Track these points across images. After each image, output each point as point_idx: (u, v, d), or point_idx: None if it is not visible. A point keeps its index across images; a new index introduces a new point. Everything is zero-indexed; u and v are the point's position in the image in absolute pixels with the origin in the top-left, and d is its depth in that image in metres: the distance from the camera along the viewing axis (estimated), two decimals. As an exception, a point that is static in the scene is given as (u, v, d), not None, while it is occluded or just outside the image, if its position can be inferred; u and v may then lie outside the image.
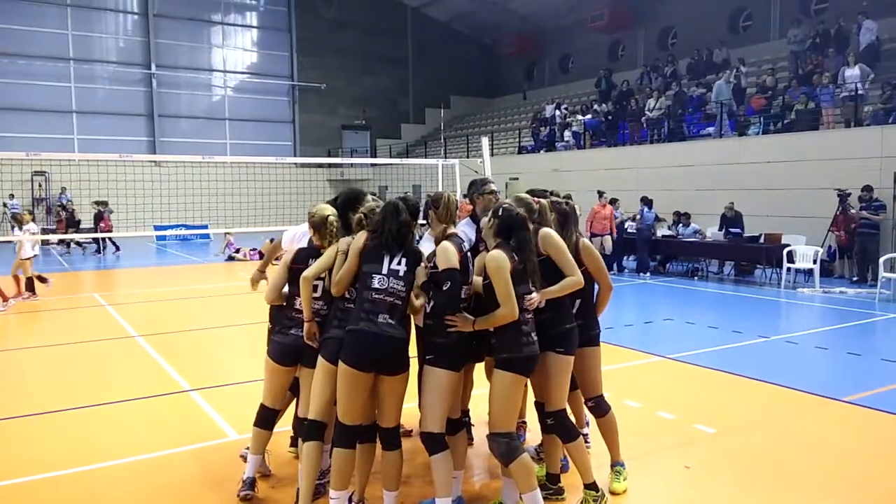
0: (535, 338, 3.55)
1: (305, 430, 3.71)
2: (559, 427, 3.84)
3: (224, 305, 11.46)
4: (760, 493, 4.14)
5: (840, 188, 12.95)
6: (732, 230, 13.81)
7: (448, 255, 3.51)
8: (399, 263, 3.55)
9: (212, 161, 11.00)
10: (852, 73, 14.85)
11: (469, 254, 3.71)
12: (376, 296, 3.48)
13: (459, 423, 3.90)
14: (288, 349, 3.93)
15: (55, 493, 4.23)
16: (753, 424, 5.38)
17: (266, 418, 4.07)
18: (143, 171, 23.09)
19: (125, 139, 26.72)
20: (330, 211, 4.00)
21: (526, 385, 3.85)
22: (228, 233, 19.38)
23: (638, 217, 14.42)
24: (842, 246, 13.23)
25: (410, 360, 3.60)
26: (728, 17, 24.01)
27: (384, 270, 3.52)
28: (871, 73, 15.03)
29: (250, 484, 3.98)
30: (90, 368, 7.22)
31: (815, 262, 12.31)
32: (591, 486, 3.84)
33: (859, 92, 14.48)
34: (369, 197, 4.16)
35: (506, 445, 3.48)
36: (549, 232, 3.85)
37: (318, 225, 3.94)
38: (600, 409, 4.14)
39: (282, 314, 3.99)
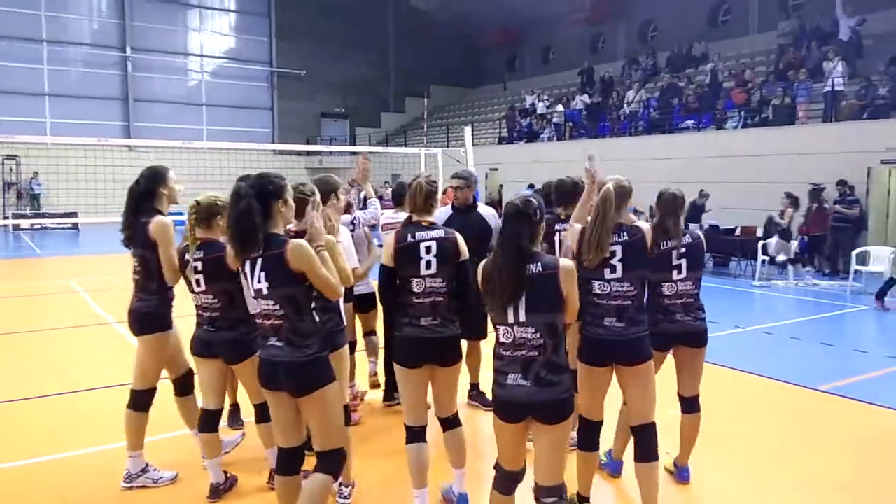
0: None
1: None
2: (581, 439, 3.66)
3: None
4: (739, 474, 4.24)
5: (815, 182, 13.18)
6: (692, 223, 13.94)
7: (385, 250, 3.60)
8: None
9: (191, 146, 10.79)
10: (835, 67, 15.04)
11: (436, 242, 3.52)
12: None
13: (452, 421, 3.70)
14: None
15: (33, 480, 4.18)
16: (731, 411, 5.47)
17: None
18: (120, 155, 22.65)
19: (99, 123, 26.17)
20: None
21: None
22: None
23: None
24: (810, 240, 13.35)
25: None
26: (707, 11, 24.21)
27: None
28: (848, 70, 15.25)
29: (215, 490, 3.90)
30: (67, 355, 7.10)
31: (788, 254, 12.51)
32: (583, 500, 3.70)
33: (838, 88, 14.67)
34: (172, 174, 4.06)
35: None
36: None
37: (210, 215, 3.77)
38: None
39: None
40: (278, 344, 3.00)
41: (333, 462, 3.15)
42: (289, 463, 3.20)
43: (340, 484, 3.81)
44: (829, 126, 14.51)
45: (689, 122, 18.01)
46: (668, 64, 22.55)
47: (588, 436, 3.63)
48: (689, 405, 4.10)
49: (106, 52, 27.51)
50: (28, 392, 5.81)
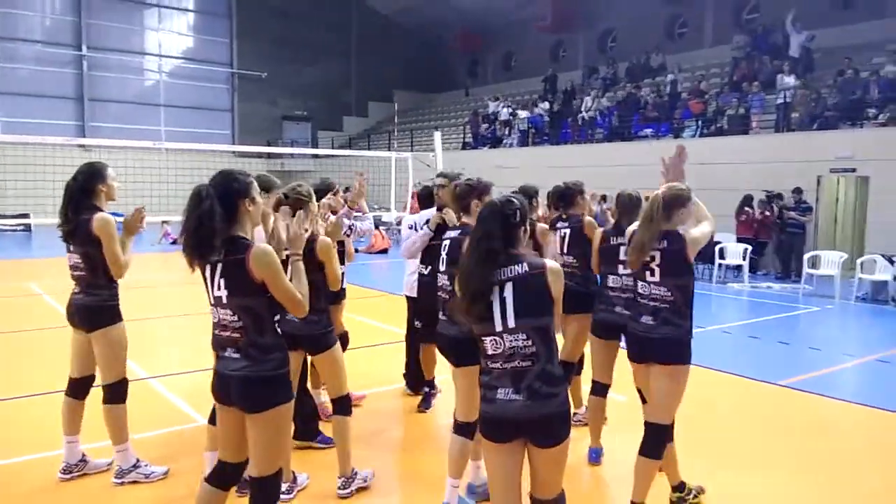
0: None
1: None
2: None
3: (163, 295, 11.30)
4: (705, 463, 4.49)
5: (767, 190, 13.76)
6: None
7: None
8: None
9: (151, 147, 10.64)
10: (789, 80, 15.70)
11: (449, 241, 3.77)
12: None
13: (458, 426, 3.69)
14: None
15: (23, 477, 4.16)
16: (694, 405, 5.71)
17: None
18: (75, 155, 22.10)
19: (52, 122, 25.48)
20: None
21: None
22: (166, 222, 18.85)
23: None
24: (757, 245, 13.87)
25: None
26: (664, 23, 24.92)
27: None
28: (799, 83, 15.94)
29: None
30: (34, 356, 7.01)
31: (744, 258, 13.03)
32: None
33: (788, 100, 15.32)
34: (110, 171, 4.02)
35: None
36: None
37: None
38: None
39: None
40: (235, 356, 2.77)
41: (271, 490, 2.88)
42: (224, 478, 2.98)
43: (341, 478, 3.95)
44: (781, 136, 15.13)
45: (648, 131, 18.52)
46: (627, 73, 23.14)
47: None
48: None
49: (60, 49, 26.80)
50: (14, 391, 5.72)
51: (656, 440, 3.60)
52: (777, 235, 13.71)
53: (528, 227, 2.82)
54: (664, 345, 3.55)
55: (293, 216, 3.51)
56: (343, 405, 3.94)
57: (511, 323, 2.61)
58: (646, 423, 3.67)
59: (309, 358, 4.18)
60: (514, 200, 2.75)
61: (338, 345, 3.98)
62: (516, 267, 2.65)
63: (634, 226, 3.75)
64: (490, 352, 2.66)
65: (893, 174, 12.59)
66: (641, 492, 3.59)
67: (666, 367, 3.55)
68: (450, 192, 3.91)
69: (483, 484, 3.68)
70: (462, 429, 3.63)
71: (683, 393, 3.62)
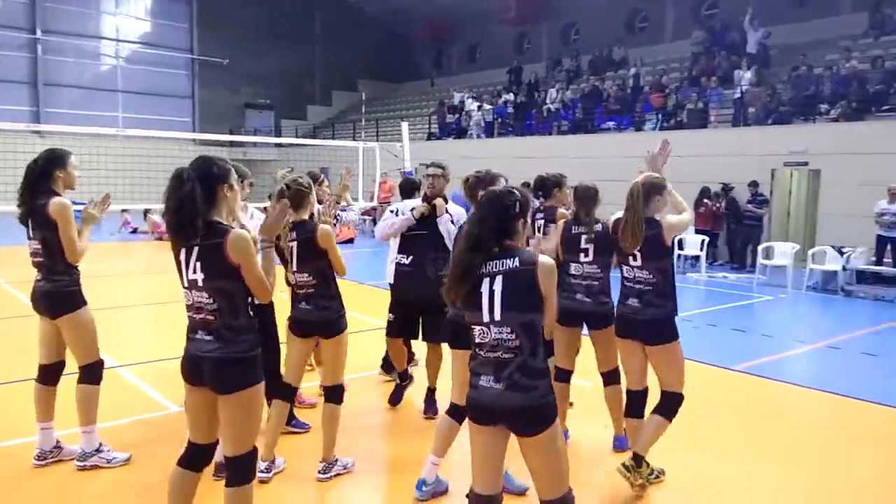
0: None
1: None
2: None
3: (124, 284, 11.16)
4: (672, 444, 4.68)
5: (724, 182, 14.17)
6: None
7: None
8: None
9: (121, 133, 10.40)
10: (746, 75, 16.15)
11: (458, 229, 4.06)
12: None
13: (449, 408, 3.88)
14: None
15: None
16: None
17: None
18: (30, 141, 21.44)
19: (5, 108, 24.67)
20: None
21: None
22: (126, 210, 18.52)
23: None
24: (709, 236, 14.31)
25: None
26: (625, 17, 25.28)
27: None
28: (755, 79, 16.41)
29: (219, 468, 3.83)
30: (3, 345, 6.91)
31: (701, 249, 13.42)
32: None
33: (745, 95, 15.75)
34: (73, 159, 4.05)
35: None
36: None
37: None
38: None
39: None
40: (208, 338, 2.83)
41: (247, 467, 2.93)
42: (196, 459, 3.01)
43: (322, 462, 4.04)
44: (738, 130, 15.56)
45: (611, 124, 18.83)
46: (590, 66, 23.44)
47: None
48: (607, 378, 4.55)
49: (13, 32, 25.95)
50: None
51: (671, 405, 3.94)
52: (728, 226, 14.16)
53: (528, 220, 2.82)
54: (651, 326, 3.86)
55: (294, 208, 3.74)
56: (337, 394, 4.01)
57: (497, 315, 2.66)
58: (662, 392, 3.99)
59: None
60: (515, 192, 2.78)
61: (346, 333, 4.05)
62: (508, 260, 2.67)
63: (618, 214, 3.97)
64: (478, 340, 2.72)
65: (844, 168, 13.07)
66: (645, 446, 3.92)
67: (658, 346, 3.90)
68: (463, 185, 4.06)
69: (433, 482, 3.82)
70: (453, 411, 3.77)
71: (683, 361, 3.96)
